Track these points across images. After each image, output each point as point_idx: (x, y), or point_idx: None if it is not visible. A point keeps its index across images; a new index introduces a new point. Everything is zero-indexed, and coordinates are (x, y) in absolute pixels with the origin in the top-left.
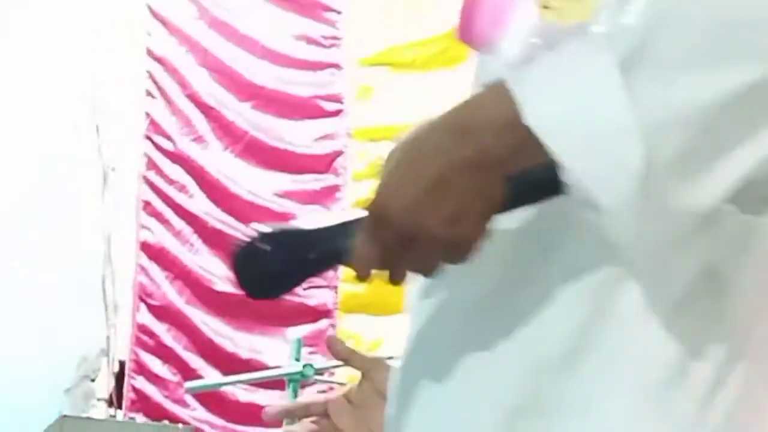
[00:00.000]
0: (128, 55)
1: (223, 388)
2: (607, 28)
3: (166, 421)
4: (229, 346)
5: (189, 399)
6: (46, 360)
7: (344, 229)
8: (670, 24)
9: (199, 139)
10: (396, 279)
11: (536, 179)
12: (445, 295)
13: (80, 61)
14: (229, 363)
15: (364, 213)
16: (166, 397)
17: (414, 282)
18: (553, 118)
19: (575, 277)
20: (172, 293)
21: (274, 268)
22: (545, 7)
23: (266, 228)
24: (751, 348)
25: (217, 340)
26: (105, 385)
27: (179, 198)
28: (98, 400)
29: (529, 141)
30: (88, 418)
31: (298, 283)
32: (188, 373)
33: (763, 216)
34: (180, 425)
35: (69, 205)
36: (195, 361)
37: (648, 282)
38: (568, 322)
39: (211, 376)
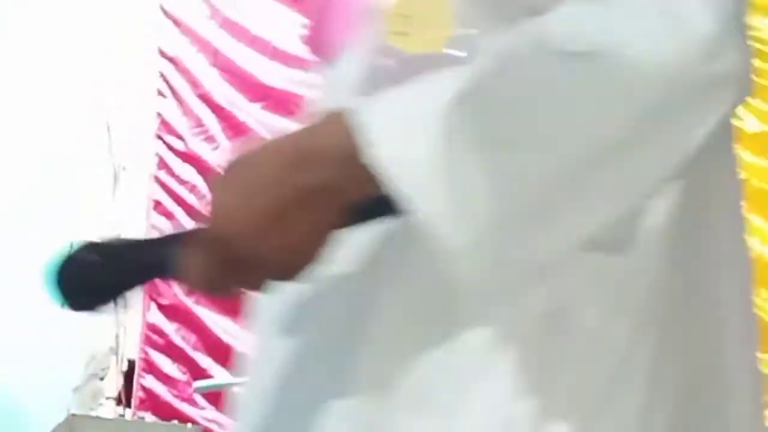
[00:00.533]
0: (140, 54)
1: (233, 388)
2: (455, 63)
3: (175, 421)
4: (238, 346)
5: (198, 398)
6: (54, 359)
7: (171, 242)
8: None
9: (210, 139)
10: (220, 294)
11: (378, 207)
12: (303, 340)
13: (92, 61)
14: (239, 362)
15: (198, 228)
16: (176, 396)
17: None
18: (395, 157)
19: (422, 315)
20: (182, 292)
21: (99, 280)
22: (396, 32)
23: (92, 239)
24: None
25: (227, 339)
26: (114, 384)
27: (190, 198)
28: (107, 398)
29: (369, 175)
30: (97, 417)
31: (121, 295)
32: (197, 372)
33: (610, 255)
34: (189, 425)
35: (80, 203)
36: (204, 360)
37: (494, 320)
38: (420, 360)
39: (220, 375)
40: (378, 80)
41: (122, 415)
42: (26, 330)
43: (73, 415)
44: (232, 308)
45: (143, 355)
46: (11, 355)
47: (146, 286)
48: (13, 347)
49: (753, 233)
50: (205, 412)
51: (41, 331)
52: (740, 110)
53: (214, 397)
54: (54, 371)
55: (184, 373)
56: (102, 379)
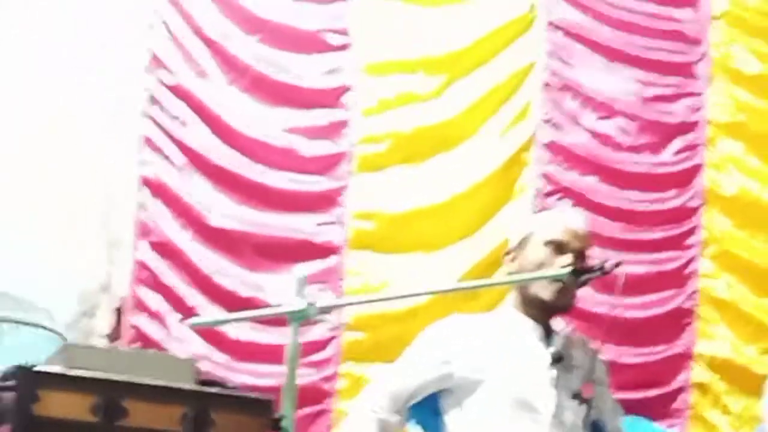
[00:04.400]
0: None
1: (225, 327)
2: None
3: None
4: (230, 285)
5: (189, 335)
6: (45, 295)
7: None
8: None
9: (202, 74)
10: None
11: None
12: None
13: None
14: (230, 301)
15: None
16: (166, 333)
17: None
18: None
19: None
20: (174, 230)
21: None
22: None
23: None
24: None
25: (218, 278)
26: (106, 322)
27: (182, 133)
28: (100, 336)
29: None
30: (92, 347)
31: None
32: (188, 310)
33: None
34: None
35: (70, 139)
36: (195, 298)
37: None
38: None
39: (211, 313)
40: None
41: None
42: (16, 267)
43: (67, 344)
44: (224, 246)
45: (134, 293)
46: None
47: (137, 223)
48: (3, 284)
49: (751, 175)
50: (195, 348)
51: (32, 269)
52: (740, 52)
53: (206, 335)
54: (45, 308)
55: (174, 311)
56: (93, 316)
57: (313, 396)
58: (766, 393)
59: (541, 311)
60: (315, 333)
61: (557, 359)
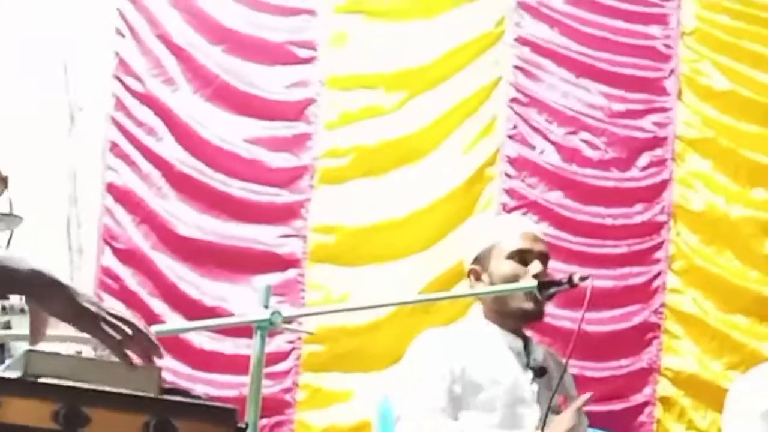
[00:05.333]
0: None
1: (189, 336)
2: None
3: None
4: (194, 293)
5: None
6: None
7: None
8: None
9: (169, 81)
10: None
11: None
12: None
13: None
14: (194, 310)
15: None
16: None
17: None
18: None
19: None
20: (138, 237)
21: None
22: None
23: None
24: None
25: (182, 286)
26: (69, 328)
27: (147, 140)
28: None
29: None
30: (54, 353)
31: None
32: (152, 318)
33: None
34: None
35: (35, 144)
36: (159, 306)
37: None
38: None
39: (175, 322)
40: None
41: (80, 352)
42: None
43: (30, 350)
44: (189, 255)
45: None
46: None
47: (101, 229)
48: None
49: (719, 191)
50: (160, 360)
51: None
52: (709, 68)
53: (170, 345)
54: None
55: (139, 319)
56: None
57: (273, 406)
58: (727, 407)
59: (519, 322)
60: (274, 344)
61: (539, 374)
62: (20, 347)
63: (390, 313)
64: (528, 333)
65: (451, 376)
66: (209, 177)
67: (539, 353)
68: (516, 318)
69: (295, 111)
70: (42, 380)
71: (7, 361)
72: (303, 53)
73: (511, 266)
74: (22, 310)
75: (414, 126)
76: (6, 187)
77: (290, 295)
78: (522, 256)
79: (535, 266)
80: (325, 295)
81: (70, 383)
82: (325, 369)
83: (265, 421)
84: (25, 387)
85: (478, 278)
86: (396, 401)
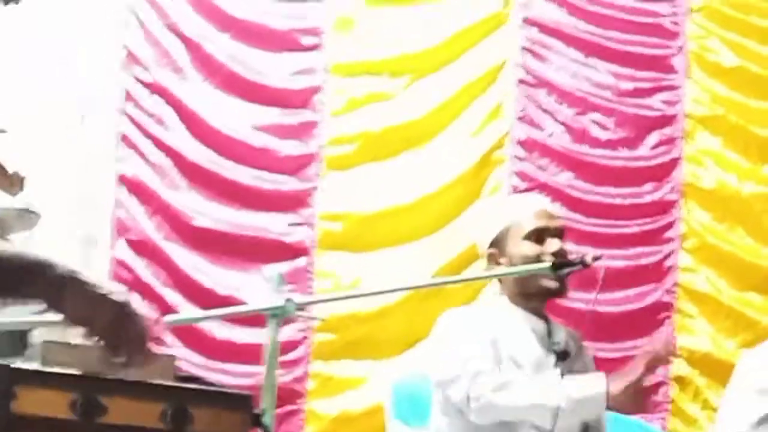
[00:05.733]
0: None
1: (202, 325)
2: None
3: None
4: (207, 283)
5: (167, 336)
6: None
7: None
8: None
9: (177, 71)
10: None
11: None
12: None
13: None
14: (207, 299)
15: None
16: None
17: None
18: None
19: None
20: (151, 228)
21: None
22: None
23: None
24: None
25: (196, 276)
26: None
27: (158, 131)
28: (77, 334)
29: None
30: (69, 344)
31: None
32: (166, 309)
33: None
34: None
35: (47, 138)
36: (173, 297)
37: None
38: None
39: (188, 311)
40: None
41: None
42: None
43: (44, 342)
44: (202, 244)
45: None
46: None
47: (114, 221)
48: None
49: (729, 168)
50: (174, 350)
51: None
52: (718, 45)
53: (184, 335)
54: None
55: (152, 310)
56: None
57: (284, 396)
58: (731, 380)
59: (543, 301)
60: (285, 334)
61: (562, 356)
62: (38, 336)
63: (400, 299)
64: (549, 314)
65: (491, 345)
66: (219, 165)
67: (561, 335)
68: (540, 297)
69: (302, 99)
70: (58, 370)
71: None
72: (308, 40)
73: (530, 246)
74: None
75: (420, 110)
76: (22, 188)
77: (299, 284)
78: (539, 235)
79: (554, 244)
80: (335, 283)
81: (86, 373)
82: (336, 357)
83: (277, 410)
84: (42, 378)
85: (496, 262)
86: (440, 370)
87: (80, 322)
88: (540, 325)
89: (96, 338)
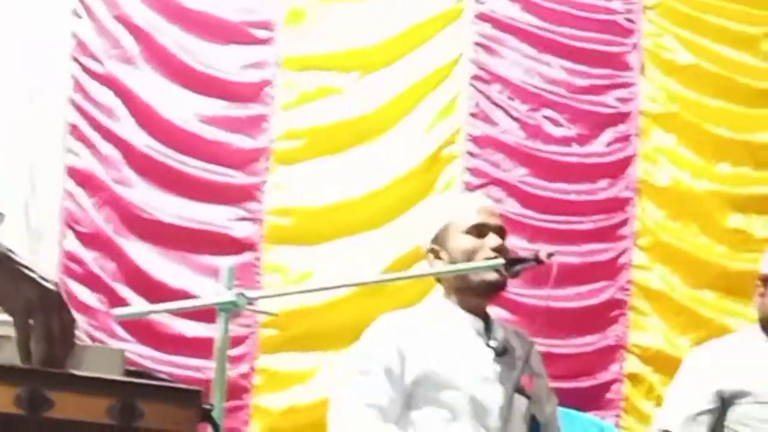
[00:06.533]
0: None
1: (153, 318)
2: None
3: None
4: (157, 276)
5: (117, 329)
6: None
7: None
8: None
9: (127, 61)
10: None
11: None
12: None
13: None
14: (157, 292)
15: None
16: (95, 327)
17: None
18: None
19: None
20: (100, 220)
21: None
22: None
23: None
24: None
25: (146, 268)
26: None
27: (107, 122)
28: None
29: None
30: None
31: None
32: (117, 302)
33: None
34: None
35: None
36: (123, 290)
37: None
38: None
39: (139, 305)
40: None
41: None
42: None
43: None
44: (152, 237)
45: (62, 285)
46: None
47: (63, 213)
48: None
49: (684, 166)
50: (125, 344)
51: None
52: (672, 43)
53: (135, 329)
54: None
55: (103, 303)
56: None
57: (230, 391)
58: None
59: (483, 295)
60: (231, 328)
61: (501, 353)
62: None
63: (348, 294)
64: (490, 312)
65: (401, 367)
66: (169, 157)
67: (500, 332)
68: (480, 291)
69: (252, 92)
70: (2, 364)
71: None
72: (260, 33)
73: (469, 240)
74: None
75: (372, 105)
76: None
77: (246, 278)
78: (479, 230)
79: (493, 239)
80: (284, 277)
81: (32, 367)
82: (283, 351)
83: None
84: None
85: (437, 257)
86: (336, 387)
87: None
88: (478, 322)
89: (13, 319)
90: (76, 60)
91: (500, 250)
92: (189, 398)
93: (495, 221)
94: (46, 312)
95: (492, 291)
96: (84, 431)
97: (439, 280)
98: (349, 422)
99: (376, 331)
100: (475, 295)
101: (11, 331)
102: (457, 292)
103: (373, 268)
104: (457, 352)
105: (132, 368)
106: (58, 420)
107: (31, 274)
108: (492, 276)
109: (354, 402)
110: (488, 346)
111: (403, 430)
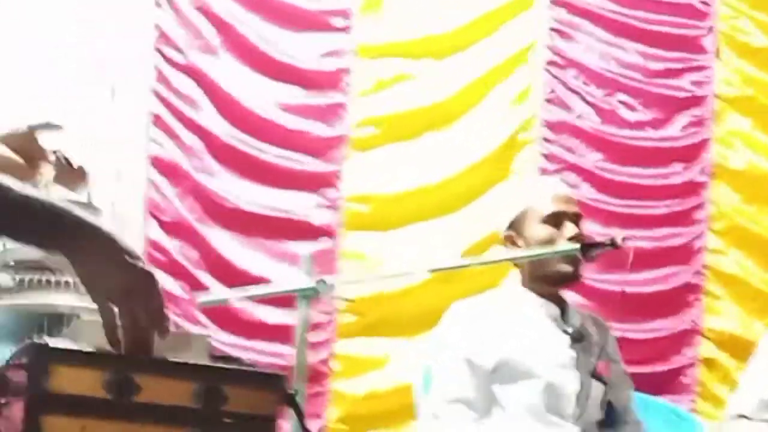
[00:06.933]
0: None
1: (235, 305)
2: None
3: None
4: (240, 263)
5: (200, 317)
6: None
7: None
8: None
9: (209, 52)
10: None
11: None
12: None
13: None
14: (239, 280)
15: None
16: (178, 315)
17: None
18: None
19: None
20: (183, 209)
21: None
22: None
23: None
24: None
25: (229, 256)
26: None
27: (189, 112)
28: None
29: None
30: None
31: None
32: (200, 290)
33: None
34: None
35: (79, 118)
36: (206, 278)
37: None
38: None
39: (220, 292)
40: None
41: None
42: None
43: (78, 321)
44: (234, 225)
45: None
46: None
47: (146, 202)
48: None
49: (759, 150)
50: (208, 331)
51: None
52: (748, 25)
53: (217, 316)
54: None
55: (186, 291)
56: None
57: (310, 377)
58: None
59: (556, 285)
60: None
61: (577, 339)
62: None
63: (424, 280)
64: (566, 298)
65: (481, 356)
66: (249, 145)
67: (576, 319)
68: (553, 281)
69: (329, 80)
70: (92, 349)
71: (63, 331)
72: (337, 22)
73: (546, 230)
74: None
75: (447, 92)
76: (86, 181)
77: (324, 265)
78: (556, 219)
79: (570, 228)
80: (361, 263)
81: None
82: (361, 336)
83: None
84: (76, 357)
85: (513, 244)
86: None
87: (97, 281)
88: (554, 309)
89: (108, 304)
90: (158, 51)
91: (576, 239)
92: (273, 383)
93: (571, 208)
94: (134, 298)
95: (566, 282)
96: (170, 415)
97: (516, 266)
98: (440, 422)
99: (453, 319)
100: (550, 284)
101: (99, 317)
102: (534, 279)
103: (449, 254)
104: (533, 338)
105: (216, 354)
106: (144, 404)
107: (126, 258)
108: (566, 268)
109: (441, 399)
110: (564, 332)
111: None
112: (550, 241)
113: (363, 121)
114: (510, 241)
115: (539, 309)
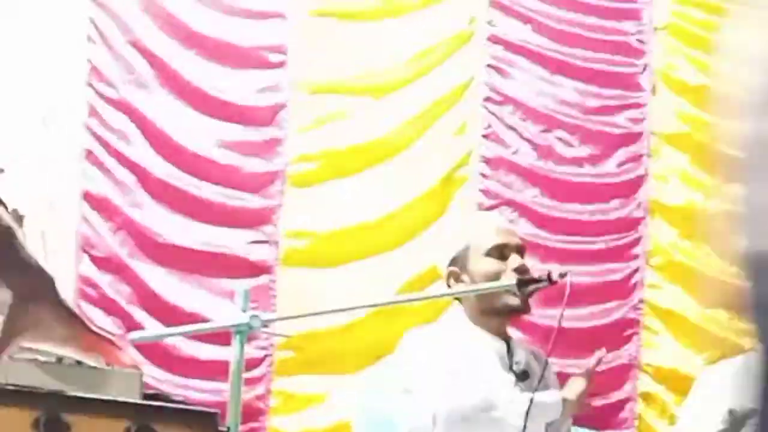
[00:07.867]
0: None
1: (169, 342)
2: None
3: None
4: (172, 299)
5: (132, 353)
6: None
7: None
8: None
9: (142, 87)
10: None
11: None
12: None
13: (21, 6)
14: (172, 316)
15: None
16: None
17: None
18: None
19: None
20: (116, 245)
21: None
22: None
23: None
24: None
25: (161, 292)
26: None
27: (122, 147)
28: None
29: None
30: (33, 361)
31: None
32: (132, 326)
33: None
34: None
35: (10, 152)
36: (138, 313)
37: None
38: None
39: (154, 329)
40: None
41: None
42: None
43: (9, 357)
44: (167, 261)
45: (77, 309)
46: None
47: (79, 237)
48: None
49: (695, 186)
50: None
51: None
52: (684, 63)
53: (149, 352)
54: None
55: (118, 327)
56: None
57: (246, 413)
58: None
59: (505, 319)
60: (247, 351)
61: (522, 378)
62: None
63: (364, 315)
64: (510, 334)
65: (442, 379)
66: (183, 182)
67: (522, 355)
68: (503, 314)
69: (267, 116)
70: (21, 387)
71: None
72: (274, 57)
73: (492, 263)
74: None
75: (385, 128)
76: (21, 225)
77: (261, 301)
78: (500, 251)
79: (515, 260)
80: (299, 300)
81: (49, 390)
82: (299, 373)
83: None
84: (5, 395)
85: (457, 279)
86: (389, 408)
87: None
88: (501, 345)
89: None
90: (90, 86)
91: (523, 271)
92: (205, 420)
93: (515, 240)
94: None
95: (514, 314)
96: None
97: (459, 301)
98: None
99: (411, 348)
100: (497, 318)
101: (33, 356)
102: (482, 313)
103: (389, 290)
104: (481, 378)
105: (149, 391)
106: None
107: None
108: (514, 300)
109: (400, 426)
110: (511, 370)
111: None
112: (495, 274)
113: (301, 156)
114: (454, 277)
115: (486, 347)
